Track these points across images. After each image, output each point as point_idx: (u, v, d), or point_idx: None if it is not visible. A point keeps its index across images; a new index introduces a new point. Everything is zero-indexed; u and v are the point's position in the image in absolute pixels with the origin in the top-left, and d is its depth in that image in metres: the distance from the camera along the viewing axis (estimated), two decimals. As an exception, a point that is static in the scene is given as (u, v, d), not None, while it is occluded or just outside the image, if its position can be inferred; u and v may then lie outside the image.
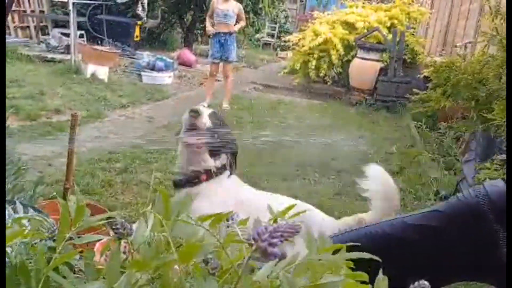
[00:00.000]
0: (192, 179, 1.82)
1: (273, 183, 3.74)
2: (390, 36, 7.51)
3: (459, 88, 2.92)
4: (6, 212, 1.55)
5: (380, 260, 0.66)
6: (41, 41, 8.35)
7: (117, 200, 3.06)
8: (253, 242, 0.55)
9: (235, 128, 5.33)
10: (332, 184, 3.90)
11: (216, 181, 1.84)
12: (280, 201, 1.82)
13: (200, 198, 1.73)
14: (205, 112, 1.83)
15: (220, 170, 1.86)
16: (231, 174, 1.89)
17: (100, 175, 3.36)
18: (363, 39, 7.73)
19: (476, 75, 2.83)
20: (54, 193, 2.61)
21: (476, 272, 1.14)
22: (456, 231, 1.07)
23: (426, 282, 0.66)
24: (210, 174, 1.83)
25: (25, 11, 8.88)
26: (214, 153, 1.83)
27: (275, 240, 0.54)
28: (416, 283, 0.67)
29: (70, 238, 0.68)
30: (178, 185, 1.87)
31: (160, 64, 7.63)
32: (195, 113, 1.77)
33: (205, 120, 1.78)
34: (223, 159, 1.86)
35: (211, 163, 1.83)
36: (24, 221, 0.83)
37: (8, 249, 0.78)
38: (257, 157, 4.39)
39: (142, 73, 7.43)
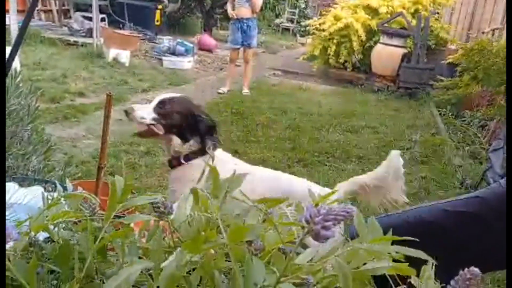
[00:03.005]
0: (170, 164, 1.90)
1: (294, 168, 3.72)
2: (414, 22, 7.33)
3: (490, 72, 2.83)
4: (39, 189, 1.57)
5: (423, 249, 0.64)
6: (64, 25, 8.42)
7: (141, 182, 3.09)
8: (305, 224, 0.53)
9: (256, 113, 5.31)
10: (354, 171, 3.86)
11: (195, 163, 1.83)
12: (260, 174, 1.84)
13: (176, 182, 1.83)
14: (143, 106, 1.87)
15: (197, 153, 1.85)
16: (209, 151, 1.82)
17: (124, 158, 3.40)
18: (386, 24, 7.57)
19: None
20: (80, 174, 2.66)
21: None
22: (497, 218, 1.04)
23: (476, 269, 0.64)
24: (184, 158, 1.85)
25: (47, -5, 8.97)
26: (183, 138, 1.83)
27: (328, 223, 0.52)
28: (466, 270, 0.65)
29: (115, 217, 0.68)
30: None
31: (180, 48, 7.63)
32: (126, 113, 1.84)
33: (142, 114, 1.82)
34: (195, 142, 1.84)
35: (182, 149, 1.84)
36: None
37: (50, 227, 0.79)
38: (278, 143, 4.38)
39: (163, 57, 7.45)
